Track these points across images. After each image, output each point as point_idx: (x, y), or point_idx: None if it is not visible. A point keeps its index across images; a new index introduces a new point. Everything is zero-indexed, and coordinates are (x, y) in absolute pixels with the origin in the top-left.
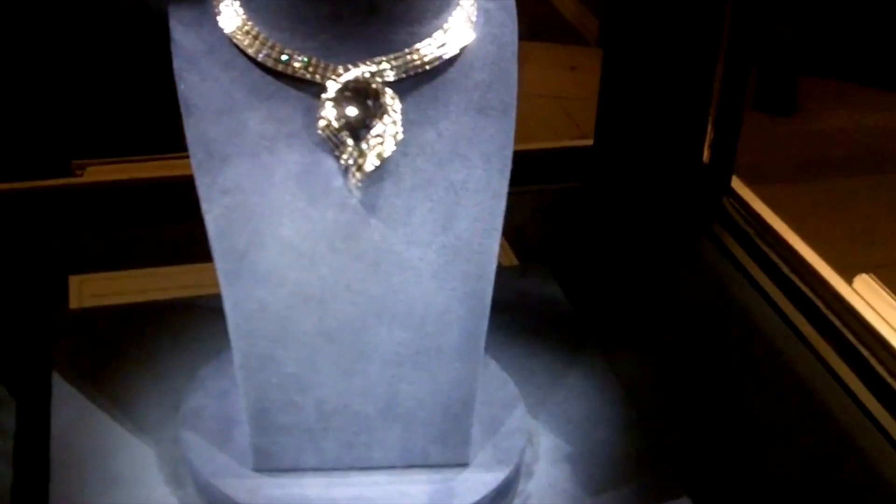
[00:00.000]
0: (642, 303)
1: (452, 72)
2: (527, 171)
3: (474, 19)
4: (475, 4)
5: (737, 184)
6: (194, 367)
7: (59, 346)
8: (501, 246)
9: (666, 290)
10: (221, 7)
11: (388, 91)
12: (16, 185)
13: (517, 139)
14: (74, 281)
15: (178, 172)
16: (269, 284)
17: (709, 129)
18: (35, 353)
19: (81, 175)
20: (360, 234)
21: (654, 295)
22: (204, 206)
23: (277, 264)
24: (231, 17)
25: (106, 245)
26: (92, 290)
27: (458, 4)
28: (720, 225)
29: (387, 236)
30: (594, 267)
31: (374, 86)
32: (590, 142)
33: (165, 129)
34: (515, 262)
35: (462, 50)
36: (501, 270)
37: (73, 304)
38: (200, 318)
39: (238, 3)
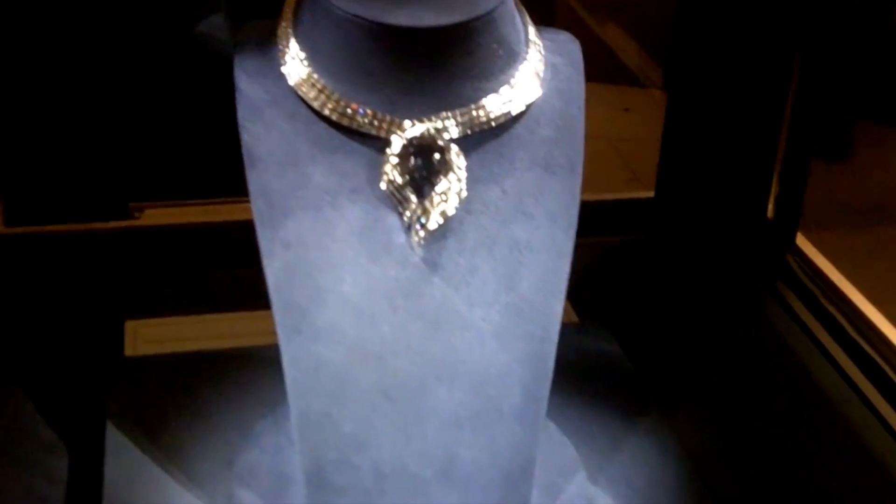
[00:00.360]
0: (704, 363)
1: (518, 128)
2: (586, 223)
3: (541, 74)
4: (542, 59)
5: (801, 240)
6: (249, 420)
7: (114, 394)
8: None
9: (728, 350)
10: (287, 58)
11: (453, 147)
12: (72, 226)
13: None
14: (130, 326)
15: (237, 217)
16: (329, 341)
17: (774, 184)
18: (89, 400)
19: (139, 218)
20: (422, 292)
21: (716, 355)
22: (264, 260)
23: (337, 321)
24: (296, 69)
25: (163, 289)
26: (148, 336)
27: (525, 59)
28: (784, 283)
29: (448, 295)
30: (654, 324)
31: (439, 142)
32: (651, 193)
33: (225, 173)
34: (573, 317)
35: (528, 106)
36: (560, 329)
37: (129, 349)
38: (256, 369)
39: (304, 54)
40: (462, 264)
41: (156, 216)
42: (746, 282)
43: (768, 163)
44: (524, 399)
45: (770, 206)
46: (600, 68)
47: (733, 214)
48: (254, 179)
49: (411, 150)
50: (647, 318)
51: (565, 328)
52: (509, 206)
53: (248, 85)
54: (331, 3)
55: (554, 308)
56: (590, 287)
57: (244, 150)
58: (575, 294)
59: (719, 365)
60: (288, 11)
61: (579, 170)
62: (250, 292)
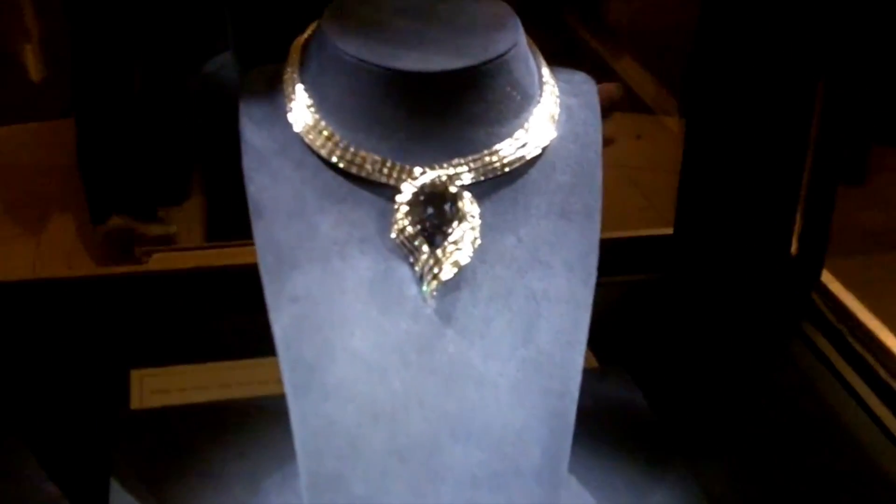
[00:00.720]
0: (729, 410)
1: (533, 173)
2: (603, 260)
3: (556, 117)
4: (557, 101)
5: (826, 276)
6: (257, 477)
7: (118, 449)
8: None
9: (754, 395)
10: (293, 105)
11: (466, 195)
12: (76, 272)
13: None
14: (136, 376)
15: (246, 261)
16: (339, 399)
17: (798, 218)
18: (94, 455)
19: (147, 262)
20: (435, 346)
21: (742, 400)
22: (272, 315)
23: (347, 377)
24: (303, 116)
25: (169, 337)
26: (154, 386)
27: (539, 101)
28: (810, 323)
29: (463, 349)
30: (676, 368)
31: (451, 189)
32: (670, 230)
33: (234, 217)
34: (592, 361)
35: (543, 150)
36: None
37: (135, 399)
38: (265, 421)
39: (311, 101)
40: (476, 316)
41: (163, 261)
42: (771, 322)
43: (792, 196)
44: (544, 458)
45: (794, 242)
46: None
47: (756, 251)
48: (260, 231)
49: (422, 197)
50: (669, 361)
51: (585, 374)
52: (525, 255)
53: (253, 133)
54: (338, 47)
55: (574, 361)
56: (608, 329)
57: (250, 201)
58: (593, 337)
59: (745, 411)
60: (294, 56)
61: (597, 217)
62: (260, 338)
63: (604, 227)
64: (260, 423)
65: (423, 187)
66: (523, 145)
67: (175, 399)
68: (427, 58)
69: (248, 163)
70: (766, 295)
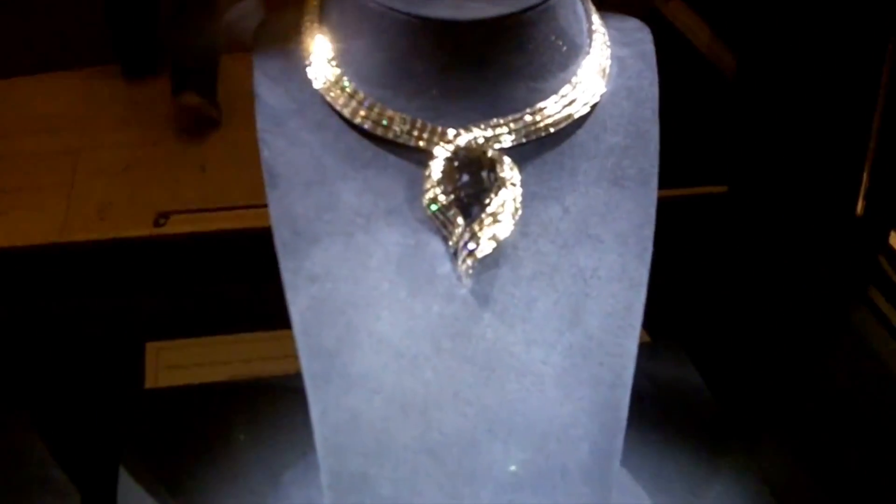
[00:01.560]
0: (790, 386)
1: (581, 134)
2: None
3: (607, 70)
4: (608, 52)
5: (894, 239)
6: (277, 467)
7: (130, 434)
8: None
9: (816, 368)
10: (313, 59)
11: (506, 160)
12: (90, 236)
13: None
14: (151, 349)
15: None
16: (363, 390)
17: (864, 176)
18: (103, 436)
19: (164, 225)
20: (471, 331)
21: (802, 375)
22: (288, 296)
23: (373, 366)
24: (323, 71)
25: (188, 304)
26: (170, 360)
27: (588, 52)
28: (877, 289)
29: (502, 334)
30: (732, 341)
31: (489, 153)
32: (723, 188)
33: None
34: (644, 336)
35: (592, 108)
36: None
37: (149, 375)
38: (286, 403)
39: (332, 53)
40: (517, 297)
41: (181, 223)
42: (834, 288)
43: (858, 151)
44: (592, 456)
45: (860, 202)
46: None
47: (818, 211)
48: (275, 202)
49: (457, 163)
50: (724, 333)
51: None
52: (572, 228)
53: (269, 91)
54: None
55: (627, 348)
56: (657, 299)
57: (264, 168)
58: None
59: (807, 387)
60: (313, 3)
61: (654, 183)
62: (284, 310)
63: None
64: (284, 404)
65: (457, 151)
66: (570, 102)
67: (192, 376)
68: (461, 4)
69: (263, 124)
70: (828, 258)
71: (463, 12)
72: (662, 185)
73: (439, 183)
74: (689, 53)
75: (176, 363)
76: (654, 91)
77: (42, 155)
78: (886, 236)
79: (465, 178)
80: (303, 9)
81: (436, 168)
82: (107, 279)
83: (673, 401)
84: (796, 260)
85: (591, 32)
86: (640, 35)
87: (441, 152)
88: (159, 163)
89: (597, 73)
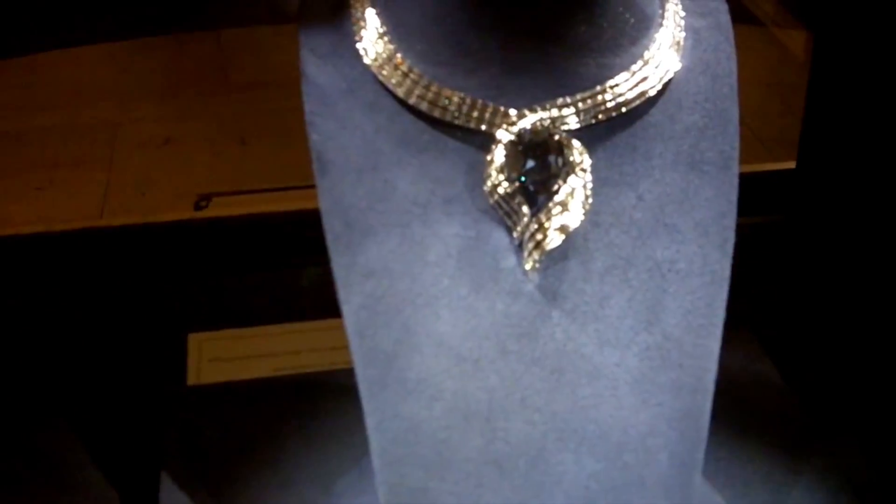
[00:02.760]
0: (872, 381)
1: (655, 114)
2: None
3: (682, 43)
4: (682, 23)
5: None
6: (329, 474)
7: (172, 436)
8: None
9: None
10: (363, 33)
11: (575, 143)
12: (131, 219)
13: None
14: (194, 340)
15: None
16: (423, 397)
17: None
18: (145, 436)
19: (206, 207)
20: (539, 331)
21: (884, 368)
22: (341, 294)
23: (433, 370)
24: (375, 47)
25: (232, 293)
26: (213, 353)
27: (661, 25)
28: None
29: (573, 334)
30: (806, 331)
31: (556, 136)
32: (792, 164)
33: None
34: None
35: (666, 85)
36: None
37: (192, 369)
38: (338, 401)
39: (384, 28)
40: (589, 294)
41: (225, 206)
42: None
43: None
44: (672, 466)
45: None
46: None
47: (891, 188)
48: (326, 191)
49: (521, 147)
50: (800, 323)
51: None
52: (647, 217)
53: (317, 69)
54: None
55: (709, 349)
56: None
57: (313, 154)
58: None
59: (887, 379)
60: None
61: (735, 168)
62: (334, 296)
63: None
64: (336, 402)
65: (521, 134)
66: (643, 79)
67: (238, 369)
68: None
69: (311, 106)
70: None
71: None
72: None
73: (502, 169)
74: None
75: (220, 356)
76: (733, 65)
77: (81, 128)
78: None
79: (531, 163)
80: None
81: (498, 153)
82: (145, 266)
83: (747, 396)
84: (869, 240)
85: (663, 2)
86: (715, 4)
87: (504, 135)
88: (200, 137)
89: (670, 46)
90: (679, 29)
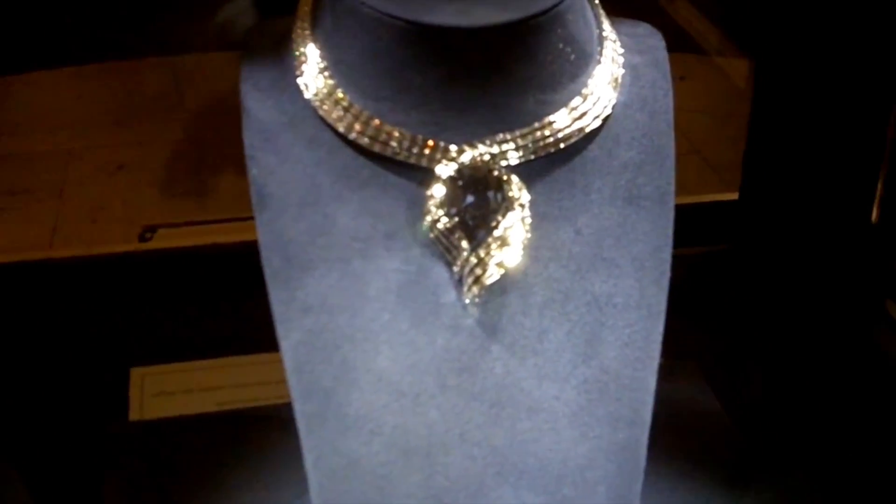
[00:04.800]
0: (809, 410)
1: (593, 149)
2: None
3: (620, 79)
4: (621, 60)
5: None
6: None
7: (113, 472)
8: None
9: (835, 391)
10: (305, 68)
11: (514, 179)
12: (77, 251)
13: None
14: (136, 375)
15: None
16: (362, 432)
17: (879, 182)
18: (85, 474)
19: (151, 239)
20: (478, 365)
21: (822, 398)
22: (279, 330)
23: (372, 406)
24: (316, 82)
25: (176, 326)
26: (156, 387)
27: (599, 61)
28: (895, 303)
29: (512, 368)
30: (747, 361)
31: (495, 172)
32: (734, 195)
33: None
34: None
35: (605, 121)
36: None
37: (134, 404)
38: (283, 436)
39: (325, 63)
40: (528, 327)
41: (169, 237)
42: (851, 301)
43: (873, 156)
44: (610, 499)
45: (875, 209)
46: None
47: (832, 218)
48: (265, 226)
49: (461, 182)
50: (739, 351)
51: None
52: (586, 251)
53: (257, 104)
54: None
55: (645, 382)
56: (670, 316)
57: (252, 188)
58: None
59: (828, 411)
60: (305, 8)
61: (671, 202)
62: None
63: None
64: (281, 437)
65: (461, 169)
66: (581, 115)
67: (180, 404)
68: (465, 10)
69: (251, 139)
70: (844, 269)
71: (465, 19)
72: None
73: (442, 204)
74: (696, 56)
75: (163, 390)
76: (669, 102)
77: (34, 155)
78: None
79: (470, 198)
80: (295, 14)
81: (438, 188)
82: (87, 299)
83: (689, 428)
84: (810, 270)
85: (601, 39)
86: (653, 41)
87: (444, 171)
88: (153, 164)
89: (609, 83)
90: (617, 65)
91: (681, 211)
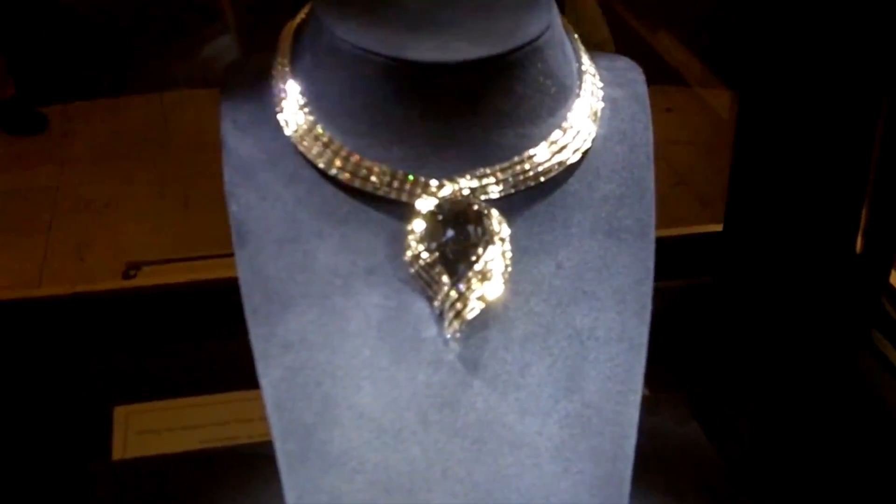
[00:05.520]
0: (795, 441)
1: (573, 183)
2: None
3: (599, 113)
4: (600, 93)
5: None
6: None
7: None
8: None
9: (821, 421)
10: (284, 104)
11: (494, 213)
12: (55, 290)
13: None
14: (120, 413)
15: None
16: (345, 470)
17: (863, 212)
18: None
19: (135, 276)
20: (460, 400)
21: (808, 429)
22: (259, 367)
23: (354, 443)
24: (296, 118)
25: (158, 363)
26: (140, 425)
27: (578, 95)
28: (880, 332)
29: (493, 403)
30: (732, 393)
31: (475, 206)
32: (719, 227)
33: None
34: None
35: (584, 154)
36: None
37: (118, 442)
38: (266, 474)
39: (305, 99)
40: (509, 362)
41: (152, 275)
42: (835, 332)
43: (857, 186)
44: None
45: (859, 238)
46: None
47: (817, 248)
48: (245, 262)
49: (441, 217)
50: (725, 384)
51: None
52: (566, 285)
53: (237, 140)
54: (335, 34)
55: (628, 416)
56: (656, 349)
57: (232, 224)
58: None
59: (814, 442)
60: (285, 44)
61: (651, 235)
62: None
63: None
64: (264, 474)
65: (441, 204)
66: (561, 149)
67: (164, 442)
68: (444, 46)
69: (231, 176)
70: (828, 300)
71: (445, 54)
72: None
73: (423, 239)
74: (680, 87)
75: (147, 428)
76: (649, 135)
77: (21, 191)
78: (887, 275)
79: (451, 233)
80: (275, 51)
81: (418, 223)
82: (69, 336)
83: (674, 460)
84: (795, 301)
85: (581, 73)
86: (633, 75)
87: (424, 205)
88: (140, 200)
89: (588, 116)
90: (596, 99)
91: (665, 243)
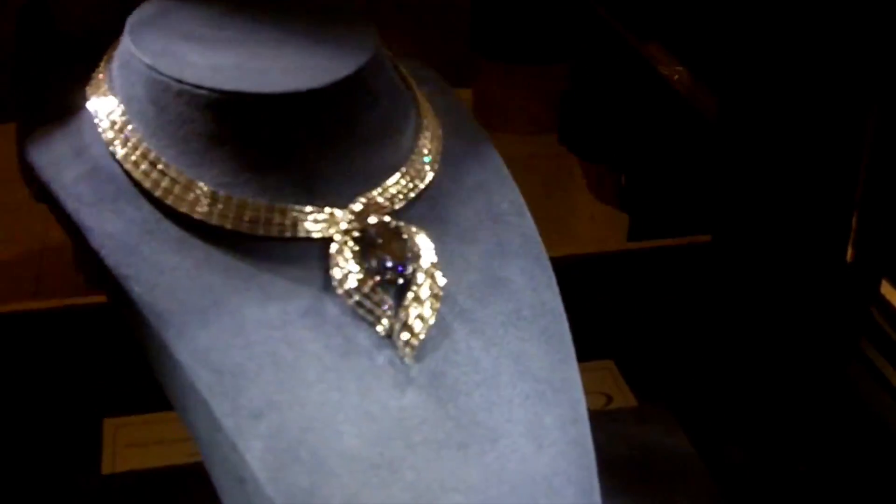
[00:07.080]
0: (785, 452)
1: (445, 182)
2: (631, 273)
3: (431, 112)
4: (424, 95)
5: (887, 289)
6: None
7: None
8: (614, 377)
9: (811, 431)
10: (143, 168)
11: (411, 228)
12: (42, 302)
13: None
14: (110, 426)
15: None
16: None
17: (853, 222)
18: None
19: None
20: (435, 413)
21: (798, 439)
22: (239, 444)
23: (353, 489)
24: (161, 181)
25: (149, 375)
26: (129, 438)
27: (413, 101)
28: (870, 342)
29: (464, 406)
30: (721, 402)
31: (392, 225)
32: (707, 237)
33: None
34: (630, 398)
35: (440, 154)
36: (614, 415)
37: (107, 456)
38: None
39: (154, 154)
40: (462, 363)
41: None
42: (825, 341)
43: (846, 196)
44: (578, 495)
45: (849, 248)
46: None
47: (806, 259)
48: (176, 343)
49: (363, 242)
50: (713, 394)
51: (621, 416)
52: (481, 277)
53: (96, 219)
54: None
55: (572, 380)
56: (644, 360)
57: (143, 309)
58: (628, 370)
59: (804, 452)
60: (107, 95)
61: (527, 212)
62: None
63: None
64: None
65: (361, 230)
66: (426, 153)
67: (154, 456)
68: (291, 76)
69: (114, 259)
70: (818, 309)
71: (300, 81)
72: (645, 235)
73: (353, 268)
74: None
75: (136, 441)
76: (473, 121)
77: (15, 203)
78: (877, 285)
79: (373, 260)
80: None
81: (338, 254)
82: (59, 349)
83: (660, 470)
84: (784, 311)
85: (405, 80)
86: (427, 72)
87: (337, 236)
88: None
89: (430, 118)
90: (424, 98)
91: (655, 253)
